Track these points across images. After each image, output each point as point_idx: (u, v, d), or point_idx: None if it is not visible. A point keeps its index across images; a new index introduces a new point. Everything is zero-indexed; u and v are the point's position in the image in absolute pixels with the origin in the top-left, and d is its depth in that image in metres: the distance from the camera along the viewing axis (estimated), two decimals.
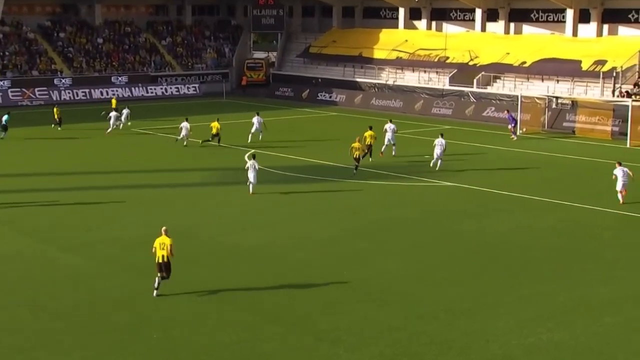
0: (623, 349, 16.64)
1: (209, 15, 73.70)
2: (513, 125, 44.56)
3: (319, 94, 61.34)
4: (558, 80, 51.56)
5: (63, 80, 60.42)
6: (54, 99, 58.27)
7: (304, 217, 27.05)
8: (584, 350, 16.54)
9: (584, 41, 53.72)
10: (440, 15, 62.91)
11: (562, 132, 46.35)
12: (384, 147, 37.81)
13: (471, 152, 39.25)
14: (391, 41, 62.01)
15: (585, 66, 50.38)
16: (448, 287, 20.27)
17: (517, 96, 48.08)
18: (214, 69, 68.04)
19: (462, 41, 58.36)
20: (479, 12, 59.75)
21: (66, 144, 42.00)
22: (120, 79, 62.53)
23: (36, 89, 58.62)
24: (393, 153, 37.84)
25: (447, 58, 57.56)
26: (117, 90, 61.28)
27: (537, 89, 51.38)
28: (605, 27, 54.16)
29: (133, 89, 61.88)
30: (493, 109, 51.46)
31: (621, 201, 28.71)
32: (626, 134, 42.57)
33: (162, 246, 19.15)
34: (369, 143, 36.02)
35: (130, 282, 20.49)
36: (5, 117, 43.13)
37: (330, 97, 60.62)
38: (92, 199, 29.37)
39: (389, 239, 24.58)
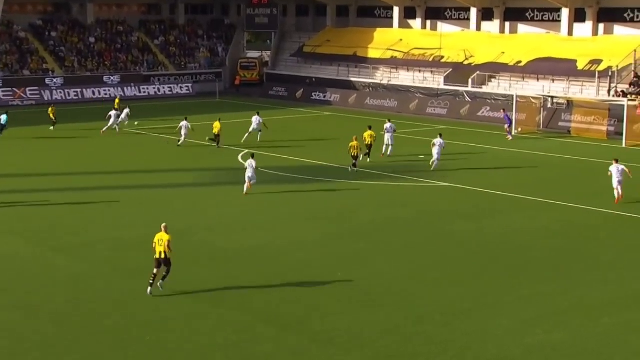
0: (621, 349, 16.64)
1: (202, 15, 73.58)
2: (509, 125, 44.61)
3: (313, 94, 61.30)
4: (553, 80, 51.64)
5: (55, 80, 60.23)
6: (46, 98, 58.08)
7: (298, 218, 27.00)
8: (582, 351, 16.53)
9: (579, 40, 53.82)
10: (435, 14, 62.95)
11: (557, 132, 46.41)
12: (384, 147, 37.88)
13: (466, 152, 39.25)
14: (386, 40, 62.01)
15: (580, 66, 50.47)
16: (445, 287, 20.24)
17: (513, 96, 48.12)
18: (207, 69, 67.93)
19: (457, 40, 58.40)
20: (474, 11, 59.80)
21: (59, 144, 41.85)
22: (112, 78, 62.38)
23: (27, 89, 58.40)
24: (388, 153, 37.83)
25: (442, 57, 57.59)
26: (109, 90, 61.15)
27: (533, 88, 51.44)
28: (601, 26, 54.28)
29: (125, 88, 61.70)
30: (488, 108, 51.50)
31: (616, 200, 28.74)
32: (622, 134, 42.64)
33: (160, 242, 19.30)
34: (368, 143, 36.02)
35: (124, 283, 20.41)
36: (4, 117, 43.03)
37: (324, 96, 60.59)
38: (86, 200, 29.27)
39: (384, 239, 24.55)
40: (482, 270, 21.64)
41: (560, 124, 47.36)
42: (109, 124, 44.17)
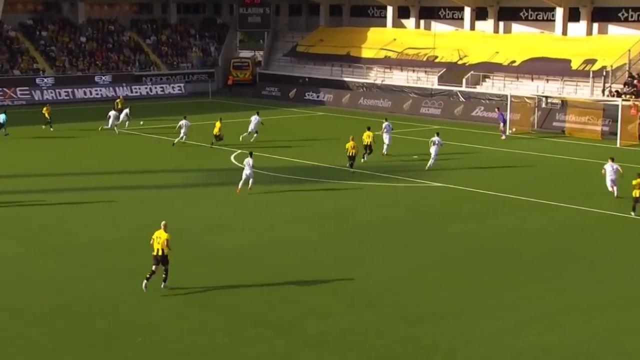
0: (613, 351, 16.67)
1: (194, 14, 73.50)
2: (503, 124, 44.70)
3: (306, 94, 61.29)
4: (548, 80, 51.74)
5: (45, 80, 60.10)
6: (36, 98, 57.98)
7: (291, 219, 26.99)
8: (574, 353, 16.56)
9: (573, 40, 53.94)
10: (428, 13, 63.01)
11: (552, 132, 46.51)
12: (384, 146, 38.08)
13: (460, 152, 39.29)
14: (379, 40, 62.04)
15: (575, 65, 50.58)
16: (436, 289, 20.26)
17: (507, 96, 48.18)
18: (200, 68, 67.87)
19: (451, 40, 58.47)
20: (467, 11, 59.88)
21: (52, 144, 41.76)
22: (103, 78, 62.27)
23: (17, 89, 58.26)
24: (384, 151, 37.85)
25: (436, 57, 57.64)
26: (100, 90, 61.06)
27: (527, 88, 51.53)
28: (595, 25, 54.39)
29: (117, 88, 61.58)
30: (482, 108, 51.56)
31: (615, 194, 29.00)
32: (616, 134, 42.75)
33: (158, 240, 19.48)
34: (367, 143, 36.16)
35: (113, 285, 20.37)
36: (2, 116, 42.98)
37: (317, 96, 60.58)
38: (78, 200, 29.22)
39: (376, 240, 24.56)
40: (475, 271, 21.66)
41: (555, 124, 47.46)
42: (109, 124, 44.11)
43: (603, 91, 48.04)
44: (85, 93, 60.64)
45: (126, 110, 46.44)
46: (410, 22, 63.77)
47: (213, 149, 39.72)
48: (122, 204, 28.86)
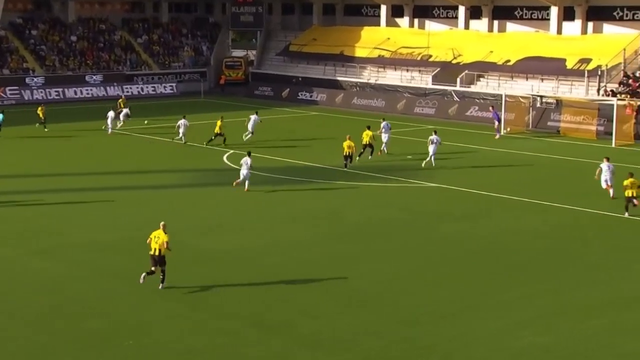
0: (609, 352, 16.75)
1: (186, 13, 73.43)
2: (498, 123, 44.80)
3: (299, 93, 61.31)
4: (542, 79, 51.87)
5: (35, 80, 59.95)
6: (26, 98, 57.87)
7: (286, 219, 27.02)
8: (569, 353, 16.63)
9: (568, 39, 54.09)
10: (422, 12, 63.09)
11: (546, 131, 46.63)
12: (383, 145, 38.27)
13: (455, 152, 39.34)
14: (373, 39, 62.09)
15: (570, 64, 50.73)
16: (432, 289, 20.31)
17: (501, 95, 48.28)
18: (192, 68, 67.80)
19: (445, 39, 58.56)
20: (462, 10, 59.97)
21: (43, 145, 41.69)
22: (94, 78, 62.13)
23: (7, 88, 58.10)
24: (383, 149, 38.05)
25: (430, 56, 57.73)
26: (91, 90, 60.95)
27: (521, 87, 51.65)
28: (590, 24, 54.55)
29: (108, 88, 61.50)
30: (477, 108, 51.66)
31: (611, 195, 29.24)
32: (611, 134, 42.88)
33: (156, 239, 19.60)
34: (366, 143, 36.33)
35: (104, 286, 20.35)
36: (0, 116, 42.95)
37: (310, 96, 60.60)
38: (69, 200, 29.19)
39: (371, 241, 24.60)
40: (469, 272, 21.72)
41: (550, 123, 47.59)
42: (108, 124, 44.08)
43: (598, 91, 48.19)
44: (75, 93, 60.50)
45: (126, 110, 46.47)
46: (404, 21, 63.84)
47: (207, 149, 39.68)
48: (116, 205, 28.84)
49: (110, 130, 44.24)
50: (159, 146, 40.82)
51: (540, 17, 57.18)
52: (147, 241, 19.95)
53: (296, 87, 62.09)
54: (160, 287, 19.82)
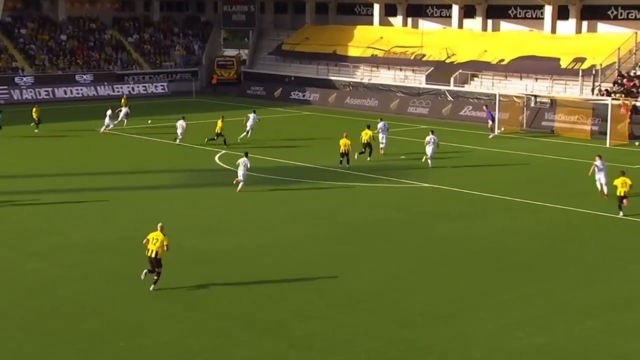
0: (604, 352, 16.78)
1: (177, 12, 73.34)
2: (492, 122, 44.88)
3: (291, 93, 61.28)
4: (537, 79, 51.99)
5: (24, 79, 59.74)
6: (15, 98, 57.68)
7: (279, 220, 26.99)
8: (566, 354, 16.65)
9: (562, 38, 54.24)
10: (416, 11, 63.17)
11: (541, 131, 46.73)
12: (382, 146, 38.45)
13: (449, 152, 39.37)
14: (366, 38, 62.13)
15: (564, 64, 50.85)
16: (427, 290, 20.32)
17: (495, 95, 48.36)
18: (183, 67, 67.70)
19: (438, 38, 58.64)
20: (455, 9, 60.06)
21: (33, 145, 41.54)
22: (84, 77, 61.96)
23: None
24: (381, 148, 38.24)
25: (424, 56, 57.79)
26: (81, 90, 60.77)
27: (515, 87, 51.76)
28: (584, 23, 54.73)
29: (98, 87, 61.35)
30: (470, 107, 51.74)
31: (599, 189, 29.61)
32: (606, 133, 42.99)
33: (154, 241, 19.59)
34: (365, 142, 36.54)
35: (97, 287, 20.29)
36: None
37: (303, 96, 60.59)
38: (61, 201, 29.10)
39: (366, 241, 24.60)
40: (465, 272, 21.73)
41: (544, 123, 47.69)
42: (107, 123, 44.05)
43: (592, 90, 48.32)
44: (65, 92, 60.31)
45: (125, 110, 46.45)
46: (397, 20, 63.91)
47: (199, 149, 39.64)
48: (111, 205, 28.77)
49: (102, 129, 44.08)
50: (150, 146, 40.74)
51: (534, 16, 57.32)
52: (144, 242, 19.93)
53: (289, 86, 62.07)
54: (151, 288, 19.76)
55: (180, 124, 41.00)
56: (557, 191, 31.35)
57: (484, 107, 46.68)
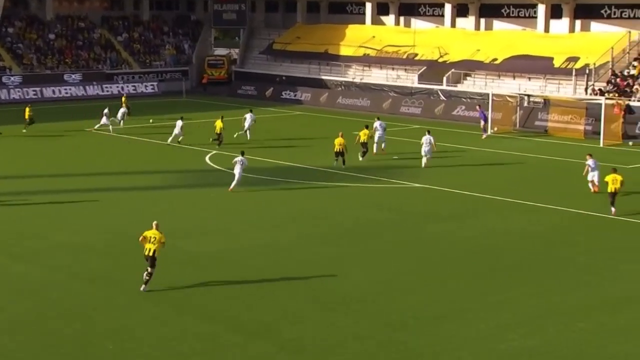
0: (596, 354, 16.84)
1: (167, 10, 73.26)
2: (484, 122, 44.97)
3: (283, 93, 61.29)
4: (530, 78, 52.11)
5: (12, 79, 59.57)
6: (2, 98, 57.52)
7: (267, 221, 26.98)
8: (557, 356, 16.69)
9: (556, 37, 54.39)
10: (408, 10, 63.25)
11: (534, 131, 46.84)
12: (383, 144, 38.63)
13: (441, 152, 39.40)
14: (358, 37, 62.17)
15: (557, 63, 50.99)
16: (418, 292, 20.34)
17: (488, 94, 48.45)
18: (173, 67, 67.62)
19: (431, 37, 58.72)
20: (448, 7, 60.16)
21: (22, 145, 41.42)
22: (73, 76, 61.81)
23: None
24: (382, 149, 38.44)
25: (416, 55, 57.87)
26: (70, 89, 60.62)
27: (509, 86, 51.87)
28: (578, 22, 54.88)
29: (87, 87, 61.21)
30: (463, 107, 51.82)
31: (592, 189, 29.98)
32: (599, 133, 43.12)
33: (153, 240, 19.70)
34: (363, 141, 36.69)
35: (84, 290, 20.24)
36: None
37: (294, 95, 60.59)
38: (46, 202, 29.02)
39: (357, 243, 24.61)
40: (457, 274, 21.77)
41: (537, 123, 47.81)
42: (101, 122, 43.99)
43: (586, 90, 48.46)
44: (54, 92, 60.14)
45: (123, 109, 46.46)
46: (389, 19, 63.98)
47: (188, 150, 39.62)
48: (98, 206, 28.72)
49: (96, 126, 44.11)
50: (140, 146, 40.67)
51: (527, 15, 57.45)
52: (140, 239, 19.97)
53: (280, 86, 62.06)
54: (142, 288, 19.76)
55: (177, 124, 40.98)
56: (550, 191, 31.43)
57: (477, 107, 46.77)
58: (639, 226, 26.73)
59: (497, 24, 58.89)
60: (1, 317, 18.60)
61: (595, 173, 30.24)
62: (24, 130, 44.51)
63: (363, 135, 36.89)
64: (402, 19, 63.61)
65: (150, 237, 19.84)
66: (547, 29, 55.69)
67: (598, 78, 48.88)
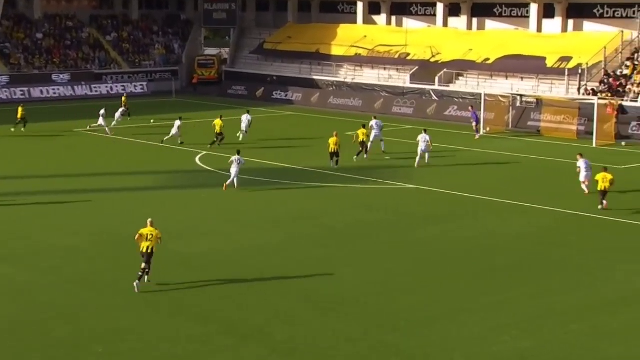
0: (589, 356, 16.92)
1: (157, 10, 73.13)
2: (476, 123, 45.08)
3: (274, 93, 61.27)
4: (522, 78, 52.25)
5: None
6: None
7: (259, 222, 26.98)
8: (550, 358, 16.75)
9: (548, 37, 54.55)
10: (400, 9, 63.33)
11: (527, 131, 46.97)
12: (382, 145, 38.67)
13: (433, 153, 39.47)
14: (349, 37, 62.20)
15: (550, 63, 51.14)
16: (410, 294, 20.38)
17: (481, 94, 48.56)
18: (163, 67, 67.49)
19: (423, 37, 58.81)
20: (440, 7, 60.27)
21: (10, 145, 41.30)
22: (61, 76, 61.63)
23: None
24: (382, 149, 38.56)
25: (408, 55, 57.94)
26: (58, 89, 60.45)
27: (501, 86, 51.99)
28: (570, 22, 55.05)
29: (76, 87, 61.04)
30: (455, 107, 51.92)
31: (586, 191, 30.03)
32: (592, 133, 43.27)
33: (149, 237, 19.93)
34: (361, 140, 36.85)
35: (73, 293, 20.21)
36: None
37: (285, 95, 60.59)
38: (33, 202, 28.95)
39: (349, 244, 24.64)
40: (449, 275, 21.82)
41: (530, 123, 47.93)
42: (100, 124, 43.93)
43: (579, 90, 48.62)
44: (42, 92, 59.93)
45: (122, 109, 46.41)
46: (381, 19, 64.04)
47: (179, 150, 39.57)
48: (86, 208, 28.67)
49: (91, 126, 44.11)
50: (129, 147, 40.59)
51: (519, 14, 57.60)
52: (136, 238, 20.10)
53: (271, 86, 62.04)
54: (135, 284, 19.98)
55: (176, 124, 40.98)
56: (544, 192, 31.52)
57: (470, 108, 46.85)
58: (631, 226, 26.85)
59: (490, 23, 59.02)
60: None
61: (588, 174, 30.26)
62: (12, 129, 44.39)
63: (361, 134, 37.08)
64: (393, 18, 63.69)
65: (147, 234, 20.08)
66: (539, 29, 55.85)
67: (591, 78, 49.05)
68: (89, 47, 65.83)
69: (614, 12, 53.39)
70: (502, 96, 49.22)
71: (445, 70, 55.30)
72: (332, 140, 35.23)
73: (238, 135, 41.94)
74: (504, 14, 58.50)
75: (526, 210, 28.91)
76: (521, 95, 49.65)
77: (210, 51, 72.40)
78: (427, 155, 36.00)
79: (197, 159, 37.50)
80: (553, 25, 55.28)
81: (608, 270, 22.39)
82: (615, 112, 44.76)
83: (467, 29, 59.32)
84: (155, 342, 17.28)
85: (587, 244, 25.04)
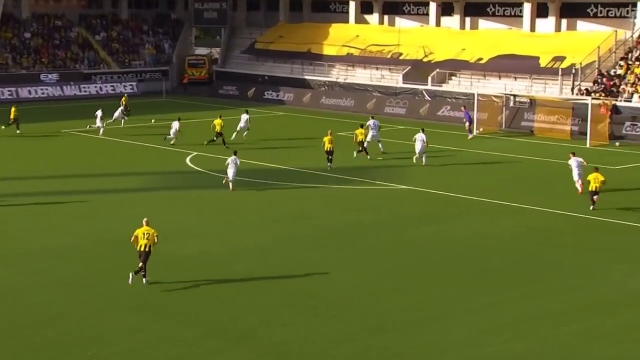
0: (582, 358, 16.92)
1: (146, 9, 73.01)
2: (469, 123, 45.12)
3: (265, 93, 61.23)
4: (516, 78, 52.33)
5: None
6: None
7: (249, 224, 26.95)
8: None
9: (542, 36, 54.66)
10: (392, 9, 63.38)
11: (520, 131, 47.03)
12: (380, 145, 38.73)
13: (427, 153, 39.50)
14: (341, 36, 62.21)
15: (543, 62, 51.24)
16: (402, 296, 20.37)
17: (474, 94, 48.62)
18: (153, 66, 67.35)
19: (415, 36, 58.85)
20: (433, 6, 60.33)
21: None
22: (50, 76, 61.43)
23: None
24: (381, 149, 38.56)
25: (401, 54, 57.98)
26: (46, 89, 60.26)
27: (494, 86, 52.06)
28: (564, 21, 55.18)
29: (64, 87, 60.87)
30: (448, 107, 51.96)
31: (580, 190, 30.23)
32: (586, 134, 43.36)
33: (145, 236, 20.16)
34: (360, 140, 36.97)
35: (59, 296, 20.13)
36: None
37: (277, 95, 60.55)
38: (22, 203, 28.85)
39: (338, 246, 24.62)
40: (441, 277, 21.82)
41: (523, 123, 47.99)
42: (98, 123, 43.79)
43: (572, 89, 48.73)
44: (30, 92, 59.73)
45: (121, 108, 46.33)
46: (373, 18, 64.07)
47: (170, 151, 39.49)
48: (77, 209, 28.60)
49: (95, 126, 43.98)
50: (119, 148, 40.48)
51: (513, 13, 57.71)
52: (132, 239, 20.26)
53: (262, 86, 62.00)
54: (130, 276, 20.11)
55: (174, 125, 40.94)
56: (537, 193, 31.57)
57: (462, 108, 46.90)
58: (625, 227, 26.91)
59: (483, 23, 59.11)
60: None
61: (580, 172, 30.46)
62: (3, 127, 44.23)
63: (360, 134, 37.16)
64: (386, 17, 63.73)
65: (144, 233, 20.27)
66: (533, 28, 55.96)
67: (584, 78, 49.16)
68: (78, 46, 65.68)
69: (608, 11, 53.54)
70: (495, 96, 49.29)
71: (438, 70, 55.35)
72: (326, 139, 35.27)
73: (244, 135, 41.94)
74: (497, 14, 58.60)
75: (519, 210, 28.94)
76: (514, 95, 49.71)
77: (201, 51, 72.30)
78: (424, 156, 35.96)
79: (187, 160, 37.43)
80: (546, 24, 55.40)
81: (601, 271, 22.43)
82: (609, 112, 44.85)
83: (460, 29, 59.40)
84: (142, 345, 17.23)
85: (581, 245, 25.09)
